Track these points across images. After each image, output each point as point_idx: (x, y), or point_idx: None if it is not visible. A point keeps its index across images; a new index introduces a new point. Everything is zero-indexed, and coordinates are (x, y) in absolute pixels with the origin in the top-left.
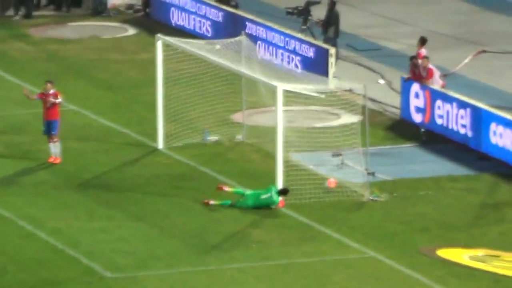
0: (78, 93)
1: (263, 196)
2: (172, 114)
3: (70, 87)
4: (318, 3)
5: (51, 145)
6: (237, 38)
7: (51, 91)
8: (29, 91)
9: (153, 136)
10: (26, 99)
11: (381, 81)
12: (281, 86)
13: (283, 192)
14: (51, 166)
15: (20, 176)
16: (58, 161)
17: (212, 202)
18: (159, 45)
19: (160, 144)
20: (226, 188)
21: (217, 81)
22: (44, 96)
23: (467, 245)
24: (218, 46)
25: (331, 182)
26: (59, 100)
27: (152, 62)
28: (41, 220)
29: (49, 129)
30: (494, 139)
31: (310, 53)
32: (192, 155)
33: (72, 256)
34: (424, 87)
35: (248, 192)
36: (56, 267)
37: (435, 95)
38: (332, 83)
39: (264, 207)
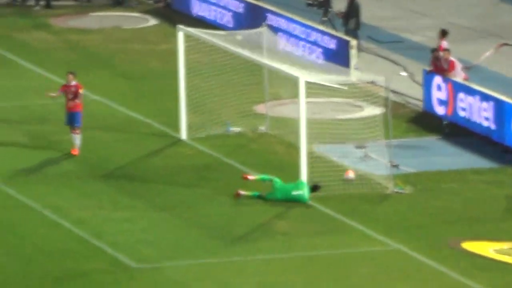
0: (100, 83)
1: (294, 192)
2: (194, 105)
3: (92, 77)
4: None
5: (74, 136)
6: (258, 29)
7: (73, 83)
8: (51, 93)
9: (176, 126)
10: (47, 89)
11: (403, 73)
12: (303, 78)
13: (314, 188)
14: (74, 156)
15: (44, 166)
16: (76, 152)
17: (242, 192)
18: (180, 36)
19: (183, 135)
20: (251, 177)
21: (239, 72)
22: (66, 88)
23: (492, 238)
24: (239, 37)
25: (350, 173)
26: (80, 94)
27: (173, 53)
28: (66, 210)
29: (71, 121)
30: None
31: (332, 44)
32: (215, 146)
33: (96, 246)
34: (446, 79)
35: (277, 182)
36: (81, 257)
37: (457, 88)
38: (354, 75)
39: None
